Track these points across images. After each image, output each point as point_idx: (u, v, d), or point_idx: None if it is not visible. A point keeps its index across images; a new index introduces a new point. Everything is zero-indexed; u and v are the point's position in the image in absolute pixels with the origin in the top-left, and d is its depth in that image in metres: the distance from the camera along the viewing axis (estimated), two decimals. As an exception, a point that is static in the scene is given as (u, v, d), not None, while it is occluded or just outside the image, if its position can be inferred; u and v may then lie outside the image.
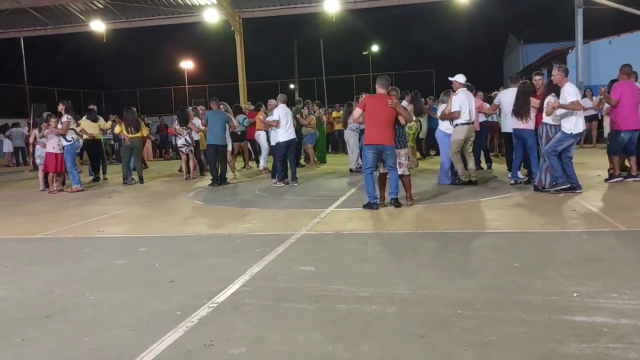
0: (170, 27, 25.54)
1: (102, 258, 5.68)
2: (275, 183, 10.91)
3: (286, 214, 7.71)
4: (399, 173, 7.69)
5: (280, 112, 10.79)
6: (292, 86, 38.34)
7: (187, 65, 37.73)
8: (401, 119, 7.66)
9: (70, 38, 28.34)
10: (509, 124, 9.29)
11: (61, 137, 11.12)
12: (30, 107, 20.48)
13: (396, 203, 7.66)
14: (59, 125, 11.08)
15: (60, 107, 11.38)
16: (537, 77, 8.96)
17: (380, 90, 7.73)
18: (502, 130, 10.38)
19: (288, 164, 11.07)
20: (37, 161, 12.24)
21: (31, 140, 12.45)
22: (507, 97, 9.54)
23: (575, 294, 3.77)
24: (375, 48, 41.84)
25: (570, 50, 21.98)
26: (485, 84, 24.67)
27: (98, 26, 23.13)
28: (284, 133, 10.73)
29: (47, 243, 6.70)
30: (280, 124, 10.70)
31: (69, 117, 11.15)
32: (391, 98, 7.59)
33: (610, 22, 23.72)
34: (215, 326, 3.57)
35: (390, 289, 4.10)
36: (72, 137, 11.17)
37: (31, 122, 14.08)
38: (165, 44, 43.72)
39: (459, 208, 7.47)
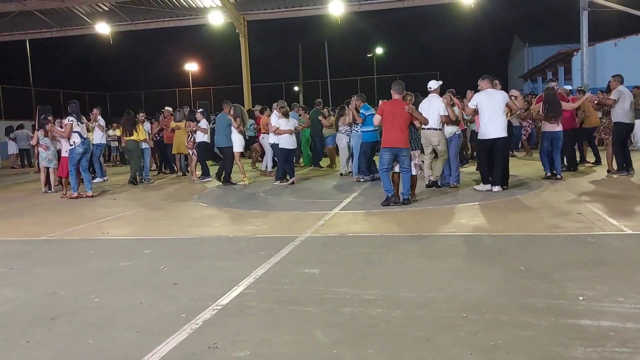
0: (175, 30, 25.58)
1: (107, 260, 5.69)
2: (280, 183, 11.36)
3: (291, 216, 7.71)
4: (412, 172, 8.09)
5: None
6: (296, 88, 38.40)
7: (192, 67, 37.83)
8: (416, 123, 8.23)
9: (76, 40, 28.45)
10: (492, 129, 8.62)
11: (62, 141, 10.79)
12: (36, 109, 20.55)
13: (407, 201, 7.98)
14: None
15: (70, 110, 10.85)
16: (553, 84, 10.15)
17: (395, 96, 8.14)
18: (479, 137, 8.99)
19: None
20: (43, 164, 11.94)
21: (33, 142, 12.25)
22: (485, 99, 8.74)
23: (581, 298, 3.76)
24: (379, 50, 41.89)
25: (575, 53, 21.96)
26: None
27: (103, 28, 23.20)
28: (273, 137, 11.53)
29: (53, 245, 6.72)
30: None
31: (71, 119, 10.44)
32: (407, 103, 8.08)
33: (615, 24, 23.70)
34: (220, 329, 3.57)
35: (395, 292, 4.09)
36: (73, 142, 10.38)
37: (36, 124, 14.06)
38: (170, 46, 43.88)
39: (463, 211, 7.45)
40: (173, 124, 14.32)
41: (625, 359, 2.85)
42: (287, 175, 11.33)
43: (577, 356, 2.91)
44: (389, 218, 7.24)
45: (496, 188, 8.67)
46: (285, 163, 11.40)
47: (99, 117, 14.06)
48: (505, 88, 30.42)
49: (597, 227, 5.99)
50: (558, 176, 9.76)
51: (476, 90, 9.22)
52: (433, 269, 4.74)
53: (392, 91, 8.19)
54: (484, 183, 8.89)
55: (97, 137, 13.84)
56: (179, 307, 4.03)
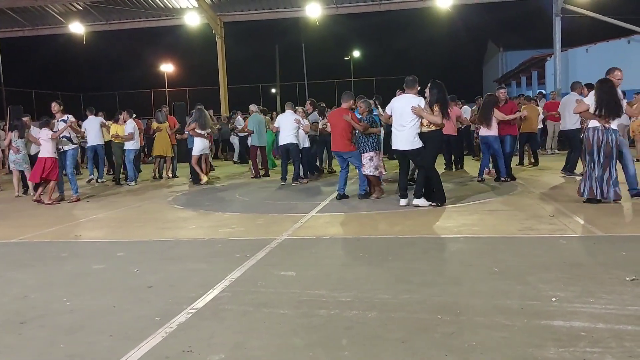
0: (150, 30, 25.34)
1: (80, 263, 5.60)
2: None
3: (267, 219, 7.68)
4: (363, 172, 8.88)
5: (279, 120, 11.78)
6: (273, 90, 38.32)
7: (168, 68, 37.49)
8: (358, 127, 8.77)
9: (49, 40, 27.97)
10: (398, 141, 7.85)
11: (64, 139, 10.37)
12: (7, 109, 20.14)
13: (360, 197, 8.96)
14: (58, 126, 10.32)
15: (57, 108, 10.49)
16: (502, 91, 10.57)
17: (343, 104, 9.15)
18: (393, 147, 8.15)
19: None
20: (11, 166, 11.59)
21: (6, 143, 11.80)
22: (399, 104, 7.92)
23: (553, 299, 3.81)
24: (356, 53, 42.05)
25: (548, 58, 22.36)
26: (464, 91, 24.90)
27: (77, 28, 22.86)
28: (282, 138, 11.59)
29: (24, 247, 6.59)
30: (280, 129, 11.66)
31: (70, 116, 10.48)
32: (347, 112, 8.88)
33: (587, 30, 24.16)
34: (195, 332, 3.53)
35: (371, 294, 4.10)
36: (76, 140, 10.60)
37: (7, 124, 13.68)
38: (145, 47, 43.34)
39: (439, 213, 7.50)
40: (154, 126, 14.05)
41: (597, 359, 2.90)
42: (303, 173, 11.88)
43: (550, 356, 2.95)
44: (365, 220, 7.27)
45: (420, 201, 7.86)
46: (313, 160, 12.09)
47: (91, 117, 13.70)
48: (479, 92, 30.66)
49: (570, 229, 6.09)
50: (502, 178, 10.26)
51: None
52: (409, 270, 4.76)
53: (341, 100, 9.21)
54: (401, 197, 8.09)
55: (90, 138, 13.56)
56: (153, 310, 3.98)
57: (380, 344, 3.22)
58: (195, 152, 12.01)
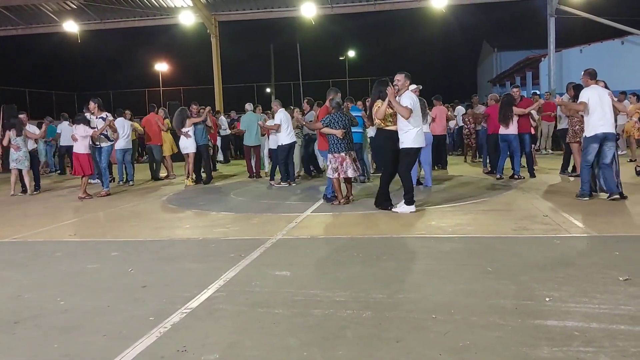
0: (145, 29, 25.29)
1: (74, 262, 5.58)
2: (279, 183, 11.45)
3: (262, 219, 7.67)
4: (327, 174, 8.66)
5: (282, 117, 11.35)
6: (268, 90, 38.31)
7: (162, 67, 37.40)
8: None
9: (43, 38, 27.86)
10: (421, 138, 7.47)
11: (102, 136, 10.81)
12: (0, 108, 20.02)
13: (325, 200, 8.73)
14: (97, 124, 10.63)
15: (92, 106, 10.79)
16: (515, 90, 10.96)
17: (327, 102, 8.92)
18: (409, 146, 7.47)
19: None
20: (13, 165, 11.44)
21: (5, 142, 11.70)
22: (415, 102, 7.48)
23: (547, 299, 3.83)
24: (351, 53, 42.13)
25: (543, 58, 22.46)
26: (459, 91, 25.02)
27: (71, 27, 22.79)
28: (286, 136, 11.28)
29: (18, 247, 6.56)
30: (282, 127, 11.21)
31: (108, 114, 10.97)
32: (324, 109, 8.94)
33: (581, 31, 24.29)
34: (189, 332, 3.53)
35: (365, 294, 4.11)
36: (113, 137, 11.20)
37: (1, 123, 13.52)
38: (140, 46, 43.26)
39: (433, 213, 7.52)
40: (168, 123, 13.78)
41: (590, 358, 2.91)
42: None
43: (544, 356, 2.96)
44: (360, 220, 7.27)
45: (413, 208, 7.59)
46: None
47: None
48: (474, 92, 30.72)
49: (563, 229, 6.12)
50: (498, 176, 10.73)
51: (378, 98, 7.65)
52: (403, 270, 4.77)
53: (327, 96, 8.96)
54: (410, 203, 7.58)
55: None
56: (147, 310, 3.97)
57: (375, 344, 3.22)
58: (190, 150, 11.95)
